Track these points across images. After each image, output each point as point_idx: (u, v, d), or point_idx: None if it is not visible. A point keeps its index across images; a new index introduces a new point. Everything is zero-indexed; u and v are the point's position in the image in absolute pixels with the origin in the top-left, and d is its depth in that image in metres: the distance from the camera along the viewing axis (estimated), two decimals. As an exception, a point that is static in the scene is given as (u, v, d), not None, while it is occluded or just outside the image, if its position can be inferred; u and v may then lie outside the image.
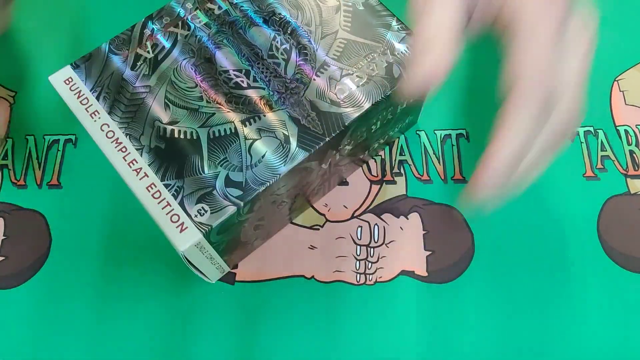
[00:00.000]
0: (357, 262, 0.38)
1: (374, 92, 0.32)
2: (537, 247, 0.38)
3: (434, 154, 0.40)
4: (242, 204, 0.29)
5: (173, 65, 0.32)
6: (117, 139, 0.31)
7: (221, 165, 0.30)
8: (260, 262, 0.38)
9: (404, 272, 0.37)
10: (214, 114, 0.31)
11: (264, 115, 0.31)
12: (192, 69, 0.32)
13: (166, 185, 0.29)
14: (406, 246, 0.38)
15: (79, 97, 0.31)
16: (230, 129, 0.31)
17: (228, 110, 0.31)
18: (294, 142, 0.30)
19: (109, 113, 0.31)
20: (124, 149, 0.30)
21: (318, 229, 0.38)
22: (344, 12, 0.34)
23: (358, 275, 0.38)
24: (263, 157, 0.30)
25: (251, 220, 0.32)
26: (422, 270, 0.38)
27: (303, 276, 0.37)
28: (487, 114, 0.42)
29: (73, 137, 0.41)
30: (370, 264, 0.38)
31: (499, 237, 0.38)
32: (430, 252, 0.38)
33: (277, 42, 0.33)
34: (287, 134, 0.31)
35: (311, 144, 0.30)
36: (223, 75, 0.32)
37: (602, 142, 0.41)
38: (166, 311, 0.37)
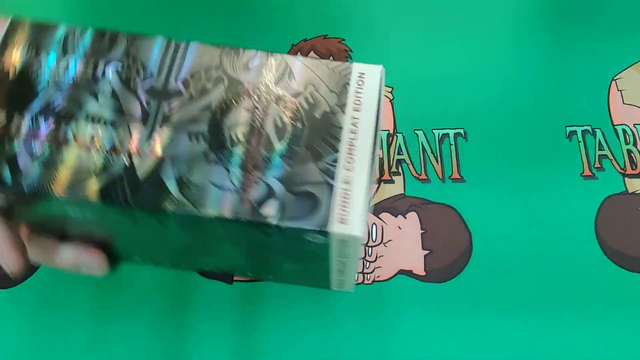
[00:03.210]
0: (355, 261, 0.38)
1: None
2: (535, 246, 0.38)
3: (432, 153, 0.40)
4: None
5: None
6: None
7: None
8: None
9: (402, 272, 0.37)
10: None
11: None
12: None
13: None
14: (404, 245, 0.38)
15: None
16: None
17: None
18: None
19: None
20: None
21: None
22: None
23: (356, 274, 0.38)
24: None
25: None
26: (420, 270, 0.38)
27: (301, 275, 0.37)
28: (485, 113, 0.42)
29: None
30: (368, 263, 0.38)
31: (497, 236, 0.38)
32: (428, 252, 0.38)
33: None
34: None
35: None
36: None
37: (599, 141, 0.40)
38: (165, 311, 0.37)
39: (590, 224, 0.38)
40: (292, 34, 0.44)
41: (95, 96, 0.27)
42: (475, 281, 0.37)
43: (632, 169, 0.40)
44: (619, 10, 0.45)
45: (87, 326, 0.36)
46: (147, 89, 0.27)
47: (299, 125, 0.26)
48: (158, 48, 0.28)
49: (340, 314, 0.36)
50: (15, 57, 0.27)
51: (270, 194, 0.25)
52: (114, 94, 0.27)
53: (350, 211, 0.25)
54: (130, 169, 0.25)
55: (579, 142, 0.41)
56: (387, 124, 0.41)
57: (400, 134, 0.41)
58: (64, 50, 0.27)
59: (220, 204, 0.25)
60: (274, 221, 0.25)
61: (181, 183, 0.25)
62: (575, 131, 0.41)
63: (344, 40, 0.44)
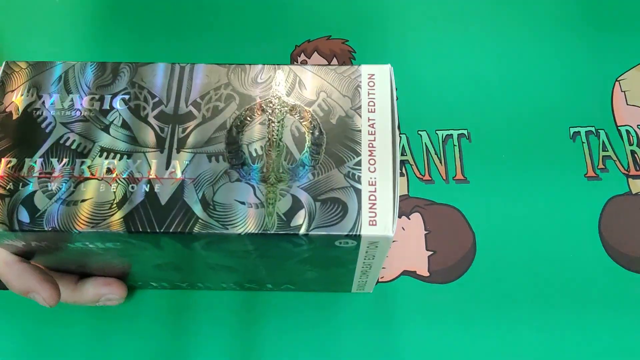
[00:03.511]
0: (359, 262, 0.38)
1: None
2: (539, 247, 0.38)
3: (435, 154, 0.40)
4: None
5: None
6: None
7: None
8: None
9: (405, 272, 0.38)
10: None
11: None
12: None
13: None
14: (408, 246, 0.38)
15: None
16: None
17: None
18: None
19: None
20: None
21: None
22: None
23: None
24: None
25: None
26: (423, 271, 0.38)
27: (305, 276, 0.37)
28: (488, 113, 0.42)
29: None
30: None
31: (501, 237, 0.38)
32: (432, 252, 0.38)
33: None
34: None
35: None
36: None
37: (603, 142, 0.41)
38: (166, 312, 0.37)
39: (593, 225, 0.38)
40: (296, 34, 0.44)
41: (106, 129, 0.27)
42: (479, 282, 0.37)
43: (636, 170, 0.40)
44: (623, 11, 0.45)
45: (87, 330, 0.36)
46: (158, 116, 0.27)
47: (317, 133, 0.26)
48: (162, 73, 0.28)
49: (344, 315, 0.36)
50: (17, 99, 0.27)
51: (297, 205, 0.25)
52: (125, 125, 0.27)
53: (379, 212, 0.25)
54: (152, 195, 0.25)
55: (583, 143, 0.41)
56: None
57: (404, 135, 0.41)
58: (67, 89, 0.27)
59: (247, 220, 0.25)
60: (303, 231, 0.25)
61: (206, 204, 0.25)
62: (579, 132, 0.41)
63: (348, 41, 0.44)
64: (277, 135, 0.26)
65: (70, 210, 0.25)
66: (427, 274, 0.37)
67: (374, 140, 0.26)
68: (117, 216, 0.25)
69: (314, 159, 0.26)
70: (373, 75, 0.28)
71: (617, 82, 0.42)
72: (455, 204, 0.39)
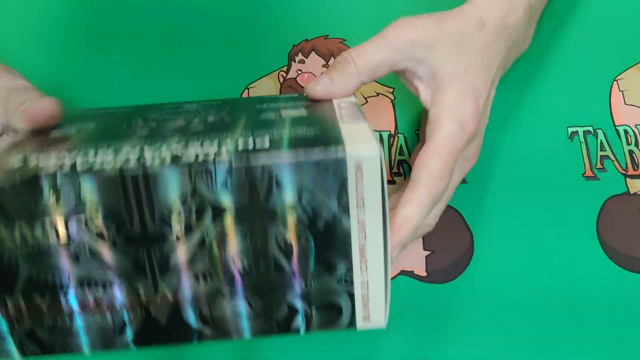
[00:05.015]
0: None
1: None
2: (536, 247, 0.38)
3: (433, 154, 0.40)
4: None
5: None
6: None
7: None
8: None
9: (403, 272, 0.37)
10: None
11: None
12: None
13: None
14: (405, 246, 0.38)
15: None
16: None
17: None
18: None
19: None
20: None
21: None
22: None
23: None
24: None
25: None
26: (421, 270, 0.38)
27: (302, 276, 0.37)
28: (486, 113, 0.42)
29: None
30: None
31: (498, 237, 0.38)
32: (429, 252, 0.38)
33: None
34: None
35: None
36: None
37: (601, 142, 0.40)
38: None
39: (591, 224, 0.38)
40: (293, 34, 0.44)
41: (76, 257, 0.24)
42: (476, 282, 0.37)
43: (634, 170, 0.40)
44: (621, 10, 0.45)
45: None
46: (127, 239, 0.24)
47: (303, 242, 0.25)
48: (116, 188, 0.23)
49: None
50: None
51: (293, 312, 0.26)
52: (93, 254, 0.24)
53: (371, 309, 0.26)
54: (150, 318, 0.26)
55: (581, 142, 0.40)
56: (388, 124, 0.41)
57: (402, 135, 0.41)
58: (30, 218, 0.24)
59: (247, 329, 0.26)
60: (302, 333, 0.26)
61: (204, 320, 0.26)
62: (577, 132, 0.41)
63: (345, 40, 0.44)
64: (261, 246, 0.25)
65: (73, 339, 0.26)
66: (425, 274, 0.37)
67: (365, 239, 0.25)
68: (126, 340, 0.26)
69: (304, 267, 0.25)
70: (361, 164, 0.24)
71: (615, 82, 0.42)
72: (453, 204, 0.39)
